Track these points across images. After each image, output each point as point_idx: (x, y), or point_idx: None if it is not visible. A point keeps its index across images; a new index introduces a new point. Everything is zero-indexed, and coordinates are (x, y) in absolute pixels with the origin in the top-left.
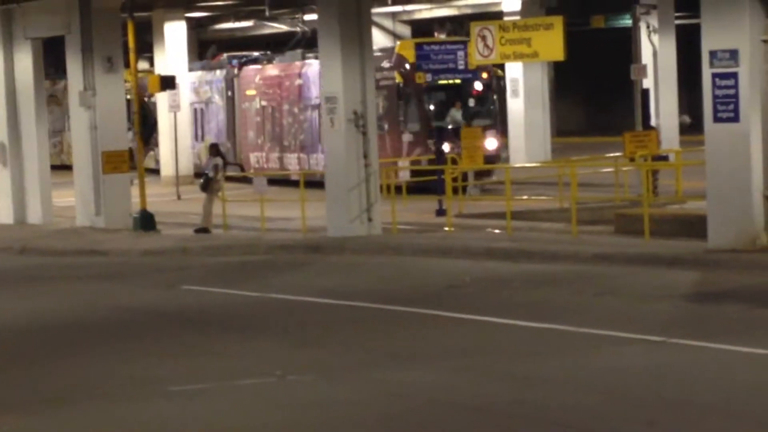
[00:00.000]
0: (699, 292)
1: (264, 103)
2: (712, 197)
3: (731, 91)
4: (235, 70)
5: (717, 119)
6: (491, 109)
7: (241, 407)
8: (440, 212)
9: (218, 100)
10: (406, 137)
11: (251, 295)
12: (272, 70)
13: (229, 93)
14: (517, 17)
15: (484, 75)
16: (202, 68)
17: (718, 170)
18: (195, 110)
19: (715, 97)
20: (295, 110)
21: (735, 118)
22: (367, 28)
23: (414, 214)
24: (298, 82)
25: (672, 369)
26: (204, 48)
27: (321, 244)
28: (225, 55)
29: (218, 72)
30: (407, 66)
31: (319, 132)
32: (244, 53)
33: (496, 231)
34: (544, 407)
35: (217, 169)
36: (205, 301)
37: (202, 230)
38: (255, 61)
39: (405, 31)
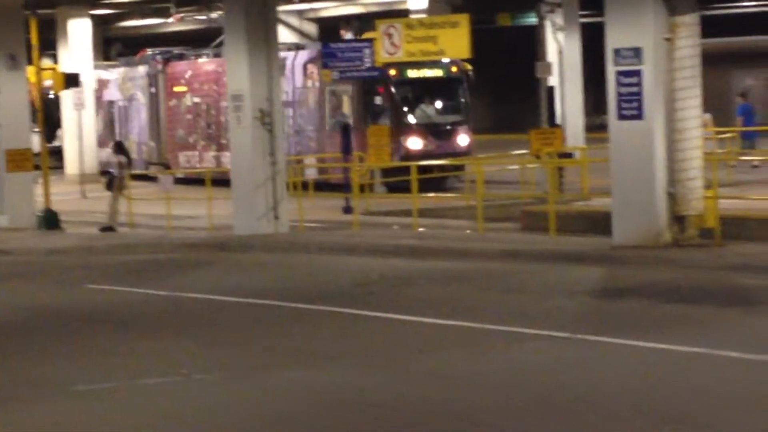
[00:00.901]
0: (604, 289)
1: (197, 99)
2: (617, 194)
3: (635, 89)
4: (159, 66)
5: (621, 116)
6: (461, 104)
7: (146, 406)
8: (347, 210)
9: (141, 98)
10: None
11: (158, 294)
12: (208, 65)
13: (153, 89)
14: (423, 15)
15: (453, 69)
16: (126, 64)
17: (623, 167)
18: (119, 108)
19: (619, 94)
20: None
21: (639, 116)
22: (273, 25)
23: (321, 211)
24: None
25: (577, 364)
26: (109, 45)
27: (227, 243)
28: (149, 50)
29: (141, 68)
30: None
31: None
32: (167, 48)
33: (398, 228)
34: (451, 403)
35: (122, 166)
36: (111, 300)
37: (108, 229)
38: (181, 56)
39: (311, 29)
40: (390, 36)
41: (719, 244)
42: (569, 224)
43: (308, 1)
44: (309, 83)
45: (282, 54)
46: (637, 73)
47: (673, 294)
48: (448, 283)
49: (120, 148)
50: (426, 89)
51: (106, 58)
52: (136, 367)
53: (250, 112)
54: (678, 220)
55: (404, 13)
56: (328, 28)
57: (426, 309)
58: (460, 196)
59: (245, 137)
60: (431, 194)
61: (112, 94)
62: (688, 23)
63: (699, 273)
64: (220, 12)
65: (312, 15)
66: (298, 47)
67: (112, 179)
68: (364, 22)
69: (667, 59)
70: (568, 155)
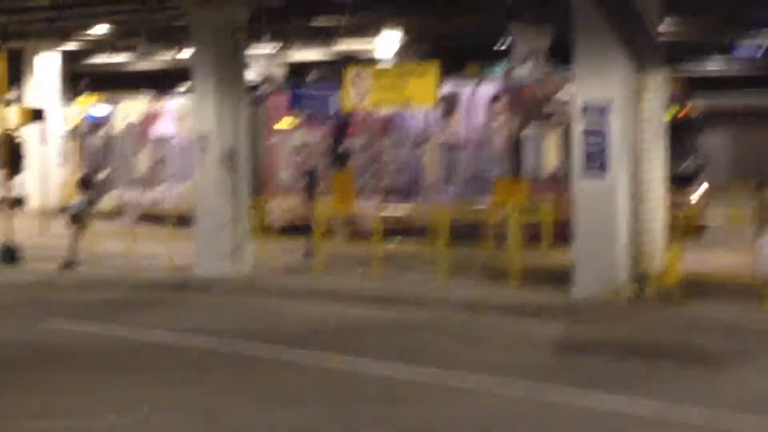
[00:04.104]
0: (564, 343)
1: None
2: (579, 249)
3: (601, 145)
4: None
5: (586, 172)
6: (697, 152)
7: None
8: (308, 254)
9: None
10: None
11: (116, 333)
12: None
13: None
14: (392, 62)
15: (689, 110)
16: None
17: (586, 222)
18: (172, 145)
19: (585, 150)
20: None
21: (604, 172)
22: (242, 67)
23: (284, 255)
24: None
25: (535, 419)
26: (76, 81)
27: (188, 283)
28: None
29: None
30: None
31: (424, 172)
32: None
33: (361, 273)
34: None
35: (87, 203)
36: (69, 338)
37: (68, 265)
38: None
39: (280, 72)
40: (358, 83)
41: (679, 302)
42: (531, 278)
43: (279, 42)
44: (493, 123)
45: (448, 89)
46: (603, 130)
47: (632, 351)
48: (408, 331)
49: (86, 184)
50: None
51: (75, 93)
52: (93, 406)
53: (215, 154)
54: (639, 277)
55: (373, 60)
56: (297, 72)
57: (384, 357)
58: (423, 245)
59: (210, 178)
60: (395, 242)
61: (163, 129)
62: (656, 81)
63: (658, 331)
64: (188, 51)
65: (280, 59)
66: (478, 80)
67: (75, 215)
68: (332, 67)
69: (635, 117)
70: (534, 209)
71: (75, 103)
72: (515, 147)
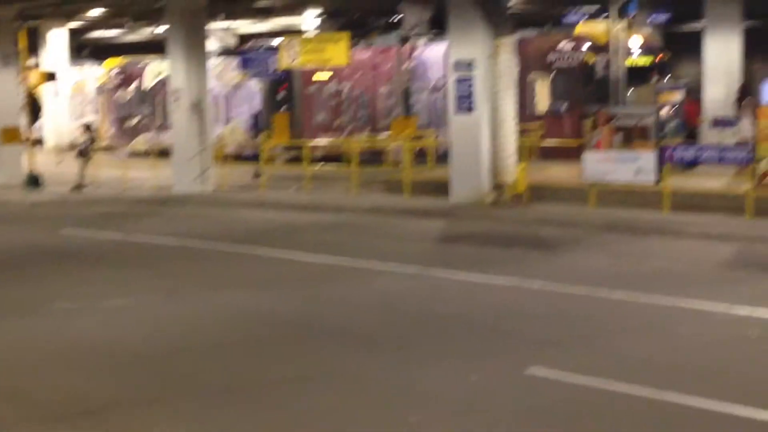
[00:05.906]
0: (445, 236)
1: (346, 85)
2: (454, 167)
3: (468, 90)
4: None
5: (458, 110)
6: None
7: (106, 322)
8: (257, 175)
9: (254, 84)
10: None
11: (116, 237)
12: (362, 54)
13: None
14: (316, 31)
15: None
16: (226, 55)
17: (458, 147)
18: (213, 96)
19: (457, 94)
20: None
21: (471, 110)
22: (204, 38)
23: (238, 176)
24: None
25: (428, 291)
26: (80, 50)
27: (169, 199)
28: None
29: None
30: (598, 45)
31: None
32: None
33: (297, 189)
34: (332, 318)
35: (90, 142)
36: (80, 242)
37: (77, 188)
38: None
39: (232, 40)
40: (290, 48)
41: (526, 204)
42: (420, 189)
43: (231, 19)
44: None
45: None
46: (470, 79)
47: (494, 240)
48: (330, 230)
49: (88, 128)
50: (636, 77)
51: (79, 60)
52: (99, 293)
53: (186, 102)
54: (497, 187)
55: (301, 31)
56: (245, 40)
57: (314, 249)
58: (339, 168)
59: (182, 120)
60: (320, 164)
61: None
62: (508, 42)
63: (511, 225)
64: (165, 26)
65: (233, 31)
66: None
67: (81, 150)
68: (272, 36)
69: (492, 68)
70: (420, 137)
71: (102, 65)
72: (521, 91)
